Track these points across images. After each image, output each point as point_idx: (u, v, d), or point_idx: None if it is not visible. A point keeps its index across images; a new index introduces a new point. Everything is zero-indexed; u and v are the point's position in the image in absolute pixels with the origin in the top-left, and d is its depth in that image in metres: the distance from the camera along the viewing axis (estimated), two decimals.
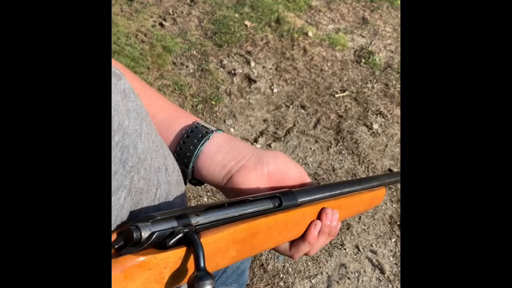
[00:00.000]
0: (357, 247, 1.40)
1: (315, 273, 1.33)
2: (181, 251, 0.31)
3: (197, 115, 1.76)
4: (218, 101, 1.82)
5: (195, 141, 0.45)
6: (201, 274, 0.29)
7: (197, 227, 0.33)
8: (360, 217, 1.48)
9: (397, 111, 1.87)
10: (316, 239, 0.44)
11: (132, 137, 0.31)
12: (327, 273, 1.33)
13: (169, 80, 1.87)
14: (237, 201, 0.38)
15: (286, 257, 1.35)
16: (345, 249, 1.39)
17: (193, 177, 0.47)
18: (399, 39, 2.27)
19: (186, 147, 0.45)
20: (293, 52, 2.11)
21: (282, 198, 0.40)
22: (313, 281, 1.31)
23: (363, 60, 2.11)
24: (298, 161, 1.65)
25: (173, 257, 0.31)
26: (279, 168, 0.45)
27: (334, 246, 1.40)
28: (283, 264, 1.34)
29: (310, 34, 2.21)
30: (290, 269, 1.33)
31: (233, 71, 1.97)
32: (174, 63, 1.97)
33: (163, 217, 0.31)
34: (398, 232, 1.45)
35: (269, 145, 1.68)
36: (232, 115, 1.78)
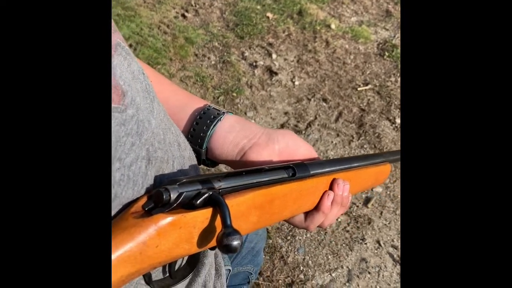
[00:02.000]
0: (378, 242, 1.39)
1: (336, 266, 1.33)
2: (208, 211, 0.32)
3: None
4: (239, 93, 1.82)
5: (208, 121, 0.47)
6: (229, 231, 0.30)
7: (220, 190, 0.35)
8: (381, 212, 1.47)
9: None
10: (330, 209, 0.46)
11: (145, 113, 0.32)
12: (347, 267, 1.33)
13: (191, 72, 1.87)
14: (254, 170, 0.40)
15: (306, 249, 1.35)
16: (366, 243, 1.38)
17: (206, 157, 0.49)
18: None
19: (199, 128, 0.47)
20: (315, 44, 2.09)
21: (295, 169, 0.43)
22: (333, 274, 1.31)
23: (387, 53, 2.08)
24: (319, 154, 1.64)
25: (201, 217, 0.32)
26: (289, 145, 0.47)
27: (355, 241, 1.39)
28: (303, 257, 1.34)
29: (332, 26, 2.19)
30: (310, 261, 1.33)
31: (254, 63, 1.96)
32: (196, 55, 1.97)
33: (188, 180, 0.32)
34: None
35: None
36: (253, 107, 1.78)
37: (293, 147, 0.48)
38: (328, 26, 2.19)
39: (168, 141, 0.36)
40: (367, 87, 1.91)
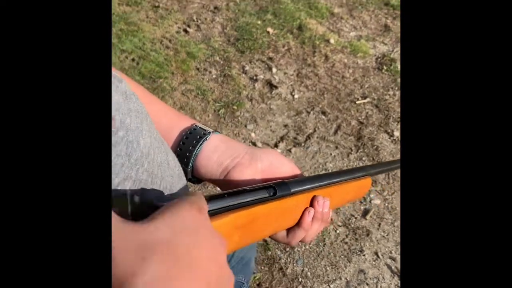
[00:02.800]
0: (376, 253, 1.40)
1: (334, 278, 1.33)
2: None
3: (219, 120, 1.79)
4: (239, 106, 1.85)
5: (194, 142, 0.49)
6: None
7: None
8: (380, 224, 1.48)
9: None
10: (310, 225, 0.48)
11: (135, 133, 0.34)
12: (345, 278, 1.34)
13: (192, 85, 1.91)
14: (236, 191, 0.41)
15: (305, 260, 1.36)
16: (364, 255, 1.39)
17: (192, 175, 0.51)
18: None
19: (185, 147, 0.49)
20: (314, 58, 2.13)
21: (276, 188, 0.44)
22: (331, 286, 1.32)
23: (385, 67, 2.11)
24: (318, 166, 1.66)
25: None
26: (272, 163, 0.49)
27: (353, 252, 1.40)
28: (302, 268, 1.35)
29: (331, 41, 2.23)
30: (309, 273, 1.34)
31: (255, 77, 2.00)
32: (198, 69, 2.01)
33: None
34: None
35: (289, 150, 1.70)
36: (253, 120, 1.81)
37: (277, 165, 0.49)
38: (327, 40, 2.23)
39: (158, 160, 0.37)
40: (365, 101, 1.94)
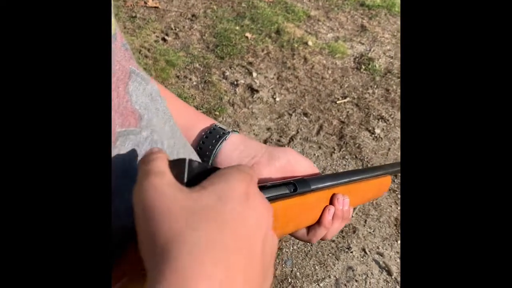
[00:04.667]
0: (363, 250, 1.42)
1: (323, 276, 1.34)
2: None
3: None
4: (221, 111, 1.86)
5: (213, 141, 0.50)
6: None
7: None
8: (365, 220, 1.50)
9: (399, 115, 1.90)
10: (331, 223, 0.48)
11: (159, 134, 0.34)
12: (334, 276, 1.34)
13: (173, 93, 1.91)
14: (259, 187, 0.41)
15: (294, 260, 1.37)
16: (352, 252, 1.41)
17: None
18: (398, 45, 2.31)
19: (205, 147, 0.50)
20: (293, 61, 2.15)
21: (296, 184, 0.44)
22: (321, 284, 1.32)
23: (363, 67, 2.14)
24: None
25: None
26: (290, 161, 0.50)
27: (341, 250, 1.41)
28: (291, 269, 1.36)
29: (310, 43, 2.25)
30: (298, 273, 1.35)
31: (235, 82, 2.00)
32: (178, 76, 2.01)
33: None
34: None
35: None
36: (236, 125, 1.82)
37: (294, 163, 0.50)
38: (306, 43, 2.26)
39: None
40: (345, 100, 1.96)
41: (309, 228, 0.49)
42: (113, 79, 0.31)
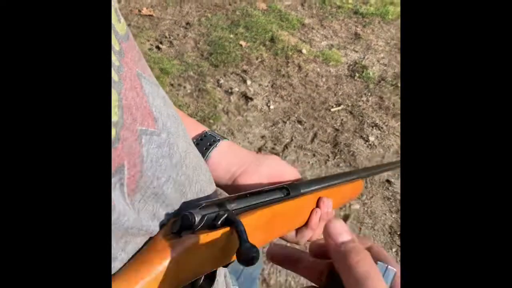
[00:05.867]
0: None
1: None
2: (226, 230, 0.36)
3: None
4: (216, 119, 1.86)
5: (204, 148, 0.51)
6: (247, 245, 0.33)
7: (233, 211, 0.38)
8: (360, 228, 1.49)
9: (393, 123, 1.90)
10: (318, 225, 0.50)
11: (175, 136, 0.35)
12: None
13: None
14: (256, 192, 0.44)
15: (287, 271, 1.36)
16: None
17: None
18: (392, 53, 2.32)
19: None
20: (288, 69, 2.15)
21: (289, 189, 0.47)
22: None
23: (357, 74, 2.15)
24: None
25: (221, 236, 0.36)
26: (276, 169, 0.52)
27: None
28: (285, 278, 1.35)
29: (304, 51, 2.26)
30: (292, 282, 1.34)
31: (230, 90, 2.01)
32: (172, 85, 2.01)
33: (207, 204, 0.36)
34: (398, 242, 1.45)
35: None
36: (230, 133, 1.81)
37: (280, 171, 0.52)
38: (300, 51, 2.26)
39: (193, 164, 0.39)
40: (339, 108, 1.97)
41: (297, 230, 0.51)
42: (128, 79, 0.31)
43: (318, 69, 2.17)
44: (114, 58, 0.30)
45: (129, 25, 2.31)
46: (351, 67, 2.21)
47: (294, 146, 1.78)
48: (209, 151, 0.51)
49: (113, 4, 0.31)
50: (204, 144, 0.51)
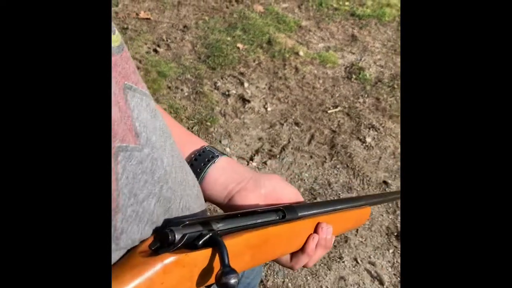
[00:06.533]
0: (355, 259, 1.41)
1: (315, 287, 1.34)
2: (208, 251, 0.35)
3: None
4: (213, 122, 1.86)
5: (202, 164, 0.50)
6: (227, 270, 0.33)
7: (218, 231, 0.37)
8: (357, 230, 1.50)
9: (389, 124, 1.91)
10: (314, 251, 0.49)
11: (159, 151, 0.35)
12: (326, 286, 1.34)
13: (164, 104, 1.91)
14: (248, 212, 0.43)
15: (285, 271, 1.36)
16: (343, 262, 1.40)
17: None
18: (389, 54, 2.33)
19: (193, 169, 0.50)
20: (285, 71, 2.16)
21: (285, 211, 0.46)
22: None
23: (354, 76, 2.16)
24: (294, 177, 1.67)
25: (202, 257, 0.35)
26: (275, 189, 0.50)
27: (333, 260, 1.41)
28: (282, 280, 1.35)
29: (301, 53, 2.27)
30: (289, 284, 1.34)
31: (227, 92, 2.01)
32: (169, 87, 2.01)
33: (191, 222, 0.35)
34: (396, 243, 1.46)
35: (265, 163, 1.71)
36: (227, 135, 1.82)
37: (279, 190, 0.50)
38: (297, 53, 2.27)
39: (178, 179, 0.38)
40: (336, 109, 1.97)
41: (293, 255, 0.50)
42: (112, 94, 0.31)
43: (315, 71, 2.18)
44: None
45: (126, 28, 2.32)
46: (348, 69, 2.21)
47: (292, 148, 1.78)
48: (206, 167, 0.50)
49: None
50: (202, 159, 0.50)
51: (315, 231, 0.49)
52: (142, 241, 0.34)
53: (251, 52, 2.26)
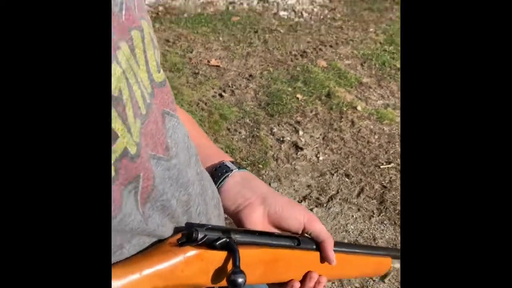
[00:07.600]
0: None
1: None
2: (223, 254, 0.41)
3: None
4: (265, 165, 1.93)
5: (215, 179, 0.56)
6: (237, 270, 0.38)
7: (235, 240, 0.43)
8: (398, 287, 1.44)
9: None
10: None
11: (184, 165, 0.42)
12: None
13: (222, 144, 2.03)
14: (266, 232, 0.48)
15: None
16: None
17: None
18: None
19: (213, 180, 0.56)
20: (341, 123, 2.21)
21: (300, 240, 0.50)
22: None
23: None
24: (339, 227, 1.67)
25: (218, 256, 0.41)
26: (277, 212, 0.53)
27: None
28: None
29: (359, 108, 2.31)
30: None
31: (281, 138, 2.09)
32: (229, 129, 2.14)
33: (213, 227, 0.42)
34: None
35: (311, 210, 1.73)
36: (277, 179, 1.87)
37: (281, 214, 0.53)
38: (355, 107, 2.32)
39: (197, 191, 0.45)
40: (389, 166, 1.96)
41: (284, 284, 0.52)
42: (153, 114, 0.38)
43: (372, 126, 2.20)
44: (146, 96, 0.37)
45: (197, 73, 2.53)
46: None
47: (340, 199, 1.79)
48: (220, 179, 0.55)
49: (156, 58, 0.39)
50: (218, 173, 0.56)
51: (303, 279, 0.51)
52: (172, 236, 0.41)
53: (310, 103, 2.34)
